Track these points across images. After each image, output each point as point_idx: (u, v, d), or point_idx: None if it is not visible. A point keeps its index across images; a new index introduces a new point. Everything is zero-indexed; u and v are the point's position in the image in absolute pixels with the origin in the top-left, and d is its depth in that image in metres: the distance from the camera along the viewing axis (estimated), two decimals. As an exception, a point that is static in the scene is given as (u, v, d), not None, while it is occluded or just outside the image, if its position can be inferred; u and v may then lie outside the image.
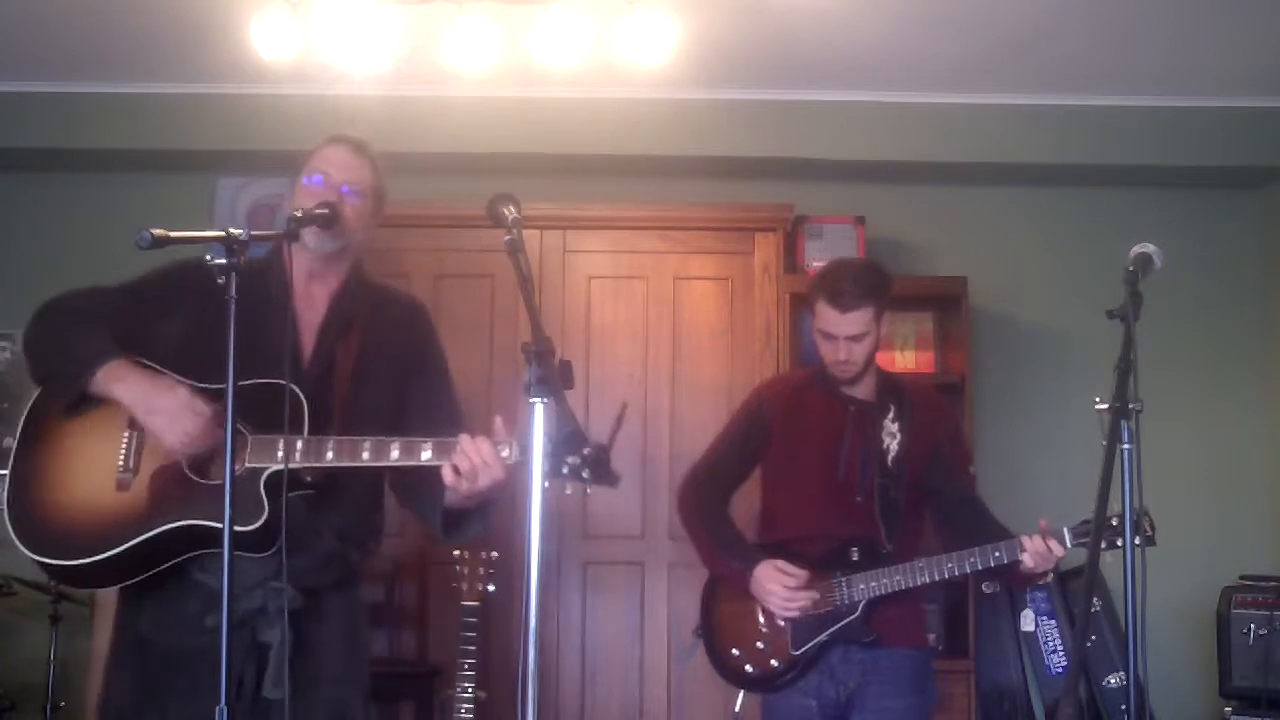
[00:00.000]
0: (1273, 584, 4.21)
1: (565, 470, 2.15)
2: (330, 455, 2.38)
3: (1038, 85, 4.65)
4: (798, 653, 3.09)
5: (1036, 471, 4.83)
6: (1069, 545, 2.97)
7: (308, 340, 2.57)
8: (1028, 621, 4.56)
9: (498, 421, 2.37)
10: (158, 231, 2.19)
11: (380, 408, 2.51)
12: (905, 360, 4.77)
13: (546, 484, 2.17)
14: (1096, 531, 2.35)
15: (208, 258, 2.15)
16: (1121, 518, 2.83)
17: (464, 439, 2.32)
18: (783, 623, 3.11)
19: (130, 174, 4.90)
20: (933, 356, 4.78)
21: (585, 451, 2.16)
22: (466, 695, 3.85)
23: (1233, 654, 4.17)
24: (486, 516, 2.53)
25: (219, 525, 2.23)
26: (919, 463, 3.20)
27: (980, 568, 3.02)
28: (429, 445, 2.36)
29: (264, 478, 2.37)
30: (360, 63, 3.86)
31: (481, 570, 3.93)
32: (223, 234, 2.21)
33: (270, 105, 4.55)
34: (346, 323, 2.59)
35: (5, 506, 2.48)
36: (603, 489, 2.19)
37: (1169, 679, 4.50)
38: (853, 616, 3.08)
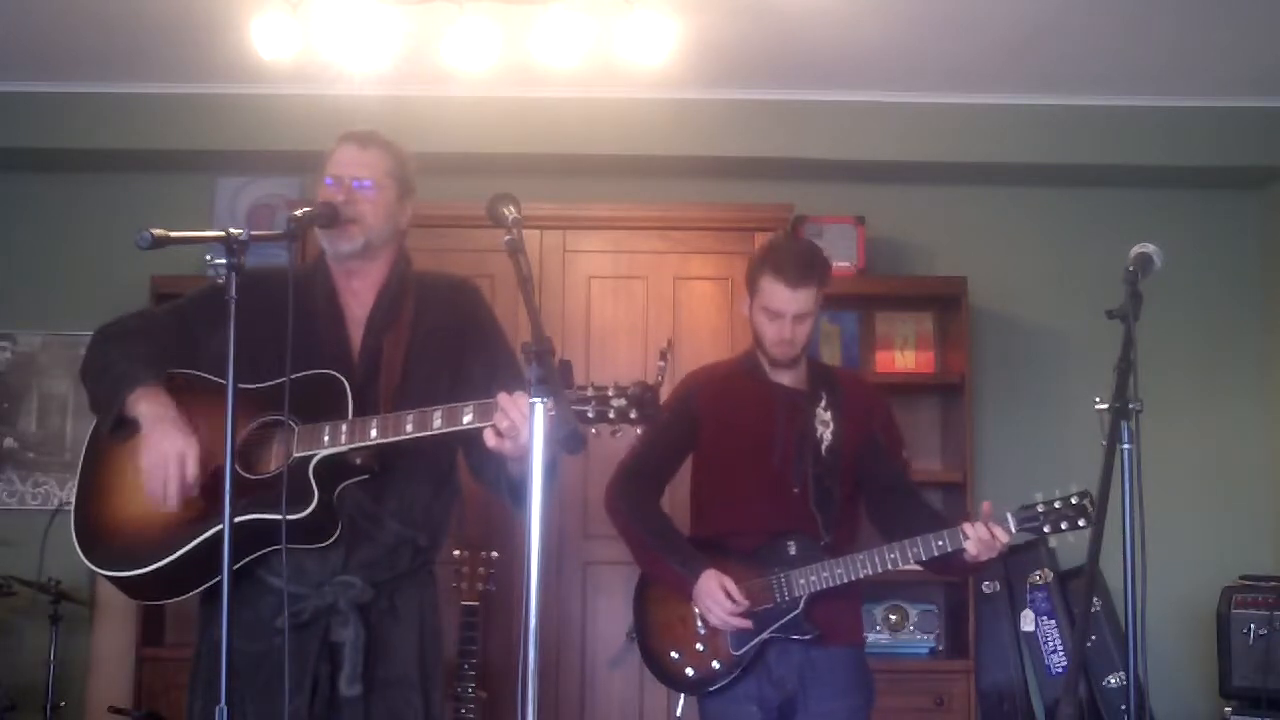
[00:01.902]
0: (1273, 584, 4.21)
1: (612, 415, 2.15)
2: (374, 433, 2.38)
3: (1038, 85, 4.65)
4: (738, 653, 3.02)
5: (1036, 471, 4.80)
6: (1014, 531, 2.92)
7: (355, 336, 2.58)
8: (1028, 621, 4.56)
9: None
10: (158, 231, 2.20)
11: (434, 394, 2.49)
12: (905, 360, 4.78)
13: (595, 431, 2.18)
14: (1096, 532, 2.35)
15: (208, 257, 2.16)
16: (1071, 499, 2.90)
17: (501, 396, 2.30)
18: None
19: (130, 174, 4.90)
20: (933, 356, 4.79)
21: (630, 390, 2.16)
22: (467, 695, 3.86)
23: (1233, 654, 4.17)
24: (552, 479, 2.50)
25: (271, 516, 2.30)
26: (853, 451, 3.14)
27: (924, 558, 2.96)
28: (470, 408, 2.35)
29: (312, 465, 2.39)
30: (360, 63, 3.86)
31: (481, 570, 3.94)
32: (223, 234, 2.22)
33: (270, 105, 4.56)
34: (392, 315, 2.59)
35: (73, 531, 2.51)
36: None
37: (1169, 679, 4.50)
38: (794, 613, 3.00)
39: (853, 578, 2.99)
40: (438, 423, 2.37)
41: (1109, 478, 2.29)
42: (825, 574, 2.99)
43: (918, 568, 3.11)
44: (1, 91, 4.68)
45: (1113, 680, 4.39)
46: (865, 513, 3.22)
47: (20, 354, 4.91)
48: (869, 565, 2.98)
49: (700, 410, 3.19)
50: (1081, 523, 2.88)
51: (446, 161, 4.51)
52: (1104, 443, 2.32)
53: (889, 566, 2.98)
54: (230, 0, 3.91)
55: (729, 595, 2.98)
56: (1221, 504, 4.86)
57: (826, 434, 3.12)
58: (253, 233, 2.24)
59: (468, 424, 2.35)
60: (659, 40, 3.82)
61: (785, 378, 3.17)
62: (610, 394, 2.18)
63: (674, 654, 3.11)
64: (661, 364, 2.25)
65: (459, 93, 4.50)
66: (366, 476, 2.46)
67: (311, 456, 2.39)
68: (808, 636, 3.02)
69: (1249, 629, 4.13)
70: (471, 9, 3.72)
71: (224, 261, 2.20)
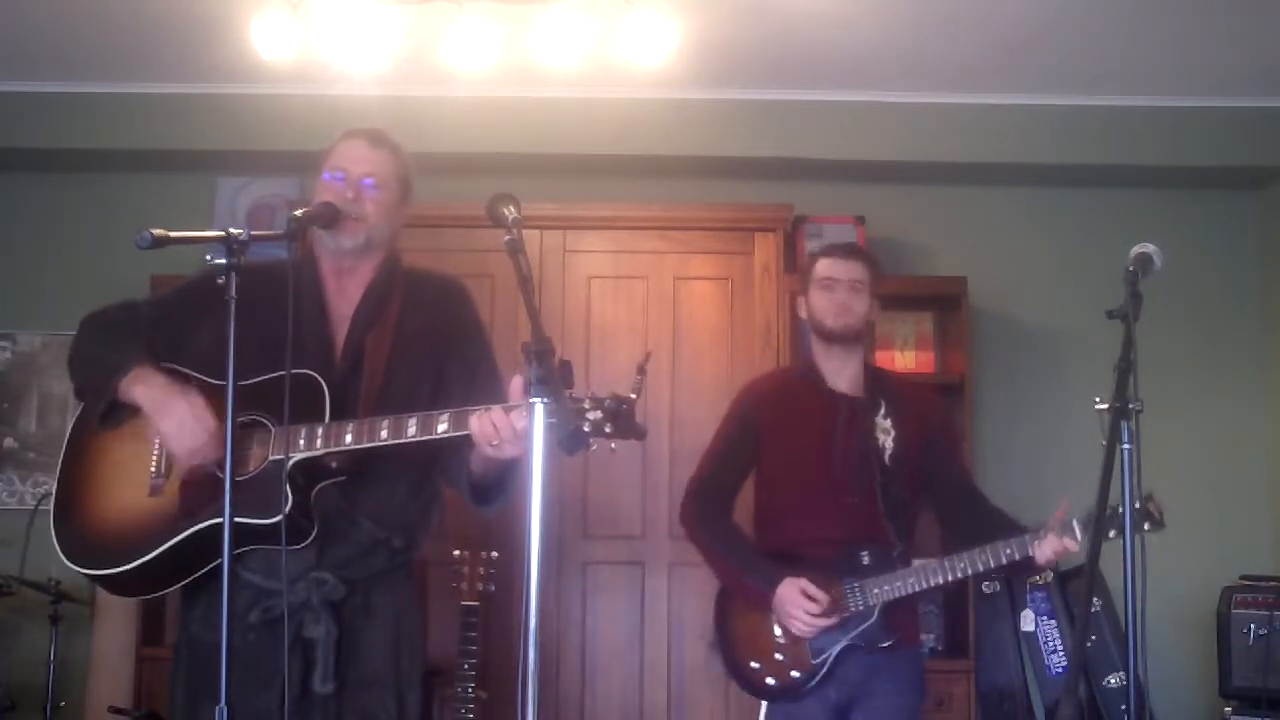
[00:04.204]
0: (1273, 584, 4.21)
1: (587, 427, 2.13)
2: (349, 438, 2.37)
3: (1038, 85, 4.65)
4: (816, 661, 3.07)
5: (1037, 471, 4.83)
6: (1079, 537, 2.96)
7: (340, 334, 2.57)
8: (1028, 621, 4.56)
9: (515, 382, 2.28)
10: (158, 231, 2.19)
11: (416, 394, 2.49)
12: (905, 360, 4.77)
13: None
14: (1096, 532, 2.35)
15: (208, 257, 2.15)
16: (1135, 504, 2.88)
17: (472, 420, 2.31)
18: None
19: (130, 174, 4.90)
20: (933, 357, 4.78)
21: (606, 402, 2.15)
22: (467, 695, 3.86)
23: (1233, 654, 4.17)
24: (514, 483, 2.50)
25: (249, 520, 2.29)
26: (915, 456, 3.21)
27: (993, 565, 3.02)
28: (445, 417, 2.35)
29: (288, 468, 2.37)
30: (360, 63, 3.86)
31: (481, 570, 3.94)
32: (223, 234, 2.21)
33: (270, 105, 4.56)
34: (377, 313, 2.58)
35: (51, 522, 2.51)
36: (629, 443, 2.19)
37: (1169, 679, 4.50)
38: (870, 621, 3.06)
39: (925, 586, 3.05)
40: (412, 430, 2.36)
41: (1109, 478, 2.29)
42: (899, 583, 3.05)
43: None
44: (1, 91, 4.68)
45: (1113, 680, 4.39)
46: (934, 513, 3.28)
47: (20, 354, 4.91)
48: (940, 574, 3.04)
49: (761, 423, 3.26)
50: (1147, 526, 2.85)
51: (446, 161, 4.50)
52: (1104, 443, 2.32)
53: (960, 575, 3.04)
54: (230, 0, 3.91)
55: (810, 596, 3.03)
56: (1221, 504, 4.85)
57: (889, 442, 3.19)
58: (253, 233, 2.23)
59: (443, 433, 2.34)
60: (659, 40, 3.82)
61: (843, 383, 3.24)
62: (586, 406, 2.17)
63: (754, 664, 3.16)
64: (639, 377, 2.22)
65: (459, 93, 4.50)
66: (343, 478, 2.45)
67: (287, 460, 2.38)
68: (887, 643, 3.07)
69: (1249, 629, 4.13)
70: (471, 9, 3.72)
71: (224, 261, 2.19)
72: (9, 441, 4.88)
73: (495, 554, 3.96)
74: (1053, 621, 4.54)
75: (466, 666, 3.85)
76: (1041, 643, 4.55)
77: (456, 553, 3.93)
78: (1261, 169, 4.85)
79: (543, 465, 2.05)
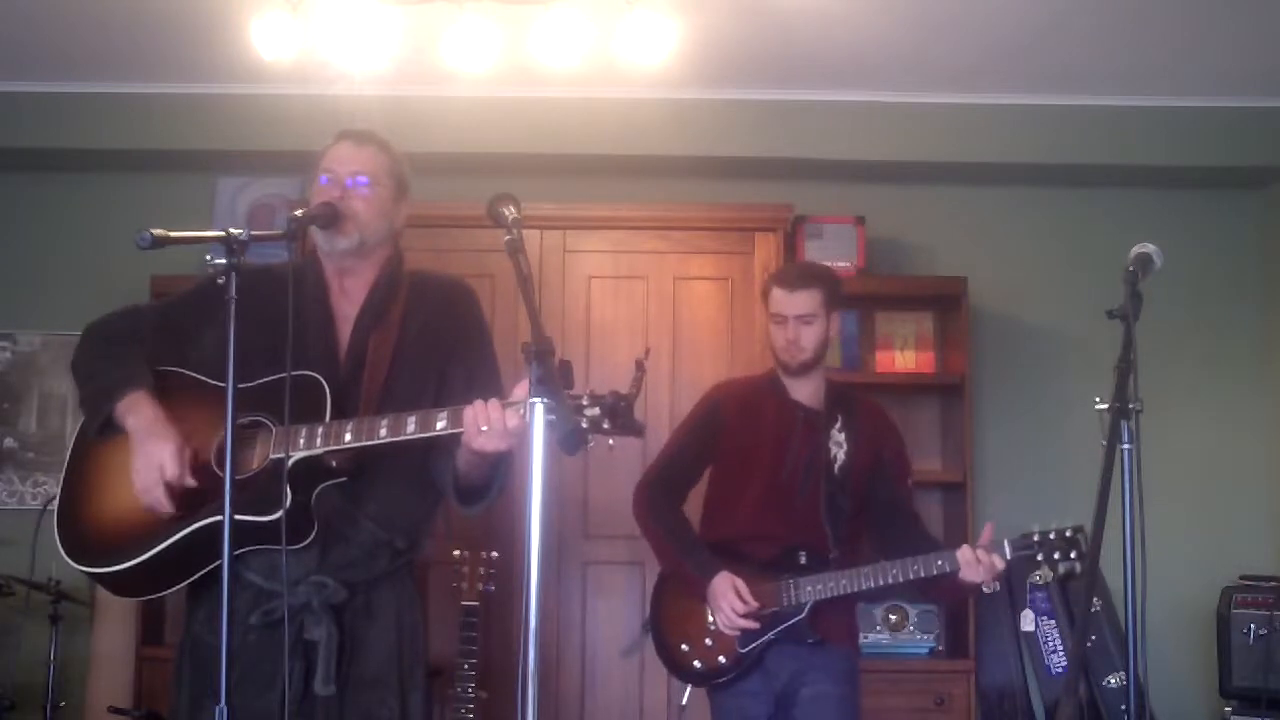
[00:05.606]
0: (1273, 584, 4.21)
1: (585, 424, 2.14)
2: (349, 436, 2.37)
3: (1038, 85, 4.65)
4: (744, 651, 3.18)
5: (1036, 471, 4.83)
6: (1008, 557, 3.03)
7: (344, 334, 2.57)
8: (1028, 621, 4.56)
9: (520, 386, 2.28)
10: (158, 231, 2.20)
11: (419, 395, 2.49)
12: (905, 360, 4.77)
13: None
14: (1096, 532, 2.35)
15: (208, 258, 2.16)
16: (1065, 532, 2.99)
17: (477, 403, 2.31)
18: None
19: (130, 174, 4.90)
20: (933, 357, 4.78)
21: (604, 398, 2.16)
22: (467, 695, 3.86)
23: (1233, 654, 4.17)
24: (499, 483, 2.53)
25: (248, 518, 2.29)
26: (863, 471, 3.30)
27: (923, 574, 3.10)
28: (444, 415, 2.35)
29: (288, 467, 2.37)
30: (360, 63, 3.86)
31: (481, 570, 3.94)
32: (223, 234, 2.22)
33: (270, 105, 4.56)
34: (380, 314, 2.58)
35: (55, 527, 2.52)
36: (628, 439, 2.19)
37: (1169, 679, 4.50)
38: (798, 618, 3.16)
39: (855, 589, 3.16)
40: (411, 428, 2.36)
41: (1109, 478, 2.29)
42: (831, 584, 3.15)
43: (916, 589, 3.32)
44: (1, 91, 4.68)
45: (1113, 680, 4.39)
46: (866, 531, 3.37)
47: (20, 354, 4.91)
48: (871, 579, 3.15)
49: (725, 421, 3.36)
50: (1074, 555, 2.99)
51: (446, 161, 4.51)
52: (1104, 443, 2.32)
53: (889, 581, 3.15)
54: (230, 0, 3.91)
55: (740, 595, 3.13)
56: (1221, 504, 4.85)
57: (840, 454, 3.29)
58: (253, 233, 2.23)
59: (441, 429, 2.35)
60: (659, 40, 3.82)
61: (804, 395, 3.33)
62: (585, 403, 2.18)
63: (684, 646, 3.28)
64: (638, 374, 2.23)
65: (459, 93, 4.50)
66: (343, 479, 2.44)
67: (288, 459, 2.38)
68: (810, 641, 3.18)
69: (1249, 629, 4.13)
70: (471, 9, 3.72)
71: (224, 261, 2.19)
72: (9, 441, 4.88)
73: (495, 554, 3.96)
74: (1053, 621, 4.54)
75: (466, 666, 3.85)
76: (1041, 643, 4.55)
77: (456, 553, 3.93)
78: (1261, 169, 4.85)
79: (542, 465, 2.05)
